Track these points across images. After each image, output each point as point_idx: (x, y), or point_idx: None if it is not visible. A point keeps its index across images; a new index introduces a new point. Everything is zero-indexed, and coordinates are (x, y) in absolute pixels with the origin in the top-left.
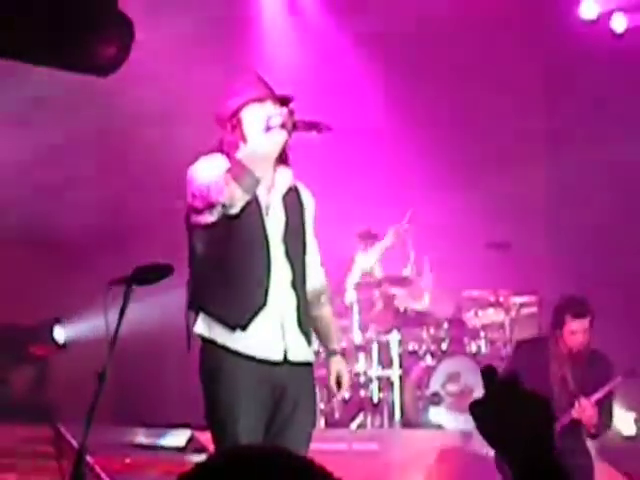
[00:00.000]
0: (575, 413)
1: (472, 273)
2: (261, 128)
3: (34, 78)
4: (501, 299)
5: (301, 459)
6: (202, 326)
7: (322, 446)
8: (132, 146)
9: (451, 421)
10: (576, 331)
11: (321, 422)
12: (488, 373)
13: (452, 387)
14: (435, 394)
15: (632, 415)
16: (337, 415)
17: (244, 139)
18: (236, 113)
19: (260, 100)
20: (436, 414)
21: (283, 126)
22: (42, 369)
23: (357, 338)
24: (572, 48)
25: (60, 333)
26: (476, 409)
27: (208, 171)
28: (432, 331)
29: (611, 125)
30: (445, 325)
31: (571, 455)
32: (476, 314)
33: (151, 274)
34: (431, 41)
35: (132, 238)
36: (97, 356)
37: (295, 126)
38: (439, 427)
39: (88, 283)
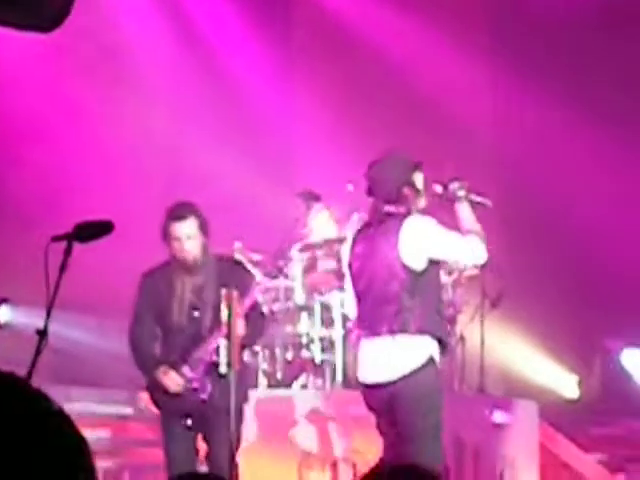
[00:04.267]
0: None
1: None
2: None
3: None
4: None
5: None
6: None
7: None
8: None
9: None
10: (179, 236)
11: (264, 383)
12: None
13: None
14: None
15: (575, 378)
16: (279, 376)
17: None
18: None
19: None
20: None
21: None
22: None
23: (299, 299)
24: None
25: (3, 314)
26: None
27: None
28: None
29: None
30: None
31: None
32: None
33: (92, 231)
34: None
35: (71, 196)
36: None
37: None
38: None
39: (30, 241)
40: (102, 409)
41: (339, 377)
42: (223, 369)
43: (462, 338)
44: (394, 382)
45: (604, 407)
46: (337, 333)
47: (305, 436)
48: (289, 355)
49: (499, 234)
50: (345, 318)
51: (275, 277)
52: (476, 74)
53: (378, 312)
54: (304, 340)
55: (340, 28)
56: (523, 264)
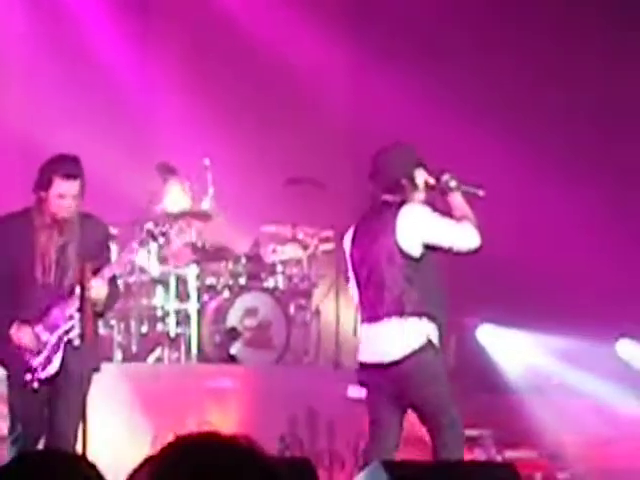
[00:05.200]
0: (89, 294)
1: (271, 209)
2: None
3: None
4: (299, 235)
5: None
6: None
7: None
8: None
9: (248, 355)
10: (65, 194)
11: (118, 356)
12: None
13: (249, 322)
14: (232, 329)
15: None
16: (135, 349)
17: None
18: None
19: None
20: (233, 349)
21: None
22: None
23: (155, 271)
24: None
25: None
26: None
27: None
28: (230, 266)
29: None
30: (243, 260)
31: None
32: (274, 250)
33: None
34: None
35: None
36: None
37: None
38: (236, 362)
39: None
40: None
41: (194, 350)
42: (77, 342)
43: (317, 312)
44: (397, 362)
45: (459, 382)
46: (192, 306)
47: (160, 408)
48: (144, 328)
49: (354, 209)
50: (199, 291)
51: (146, 243)
52: (334, 53)
53: (379, 298)
54: (159, 313)
55: (197, 3)
56: None
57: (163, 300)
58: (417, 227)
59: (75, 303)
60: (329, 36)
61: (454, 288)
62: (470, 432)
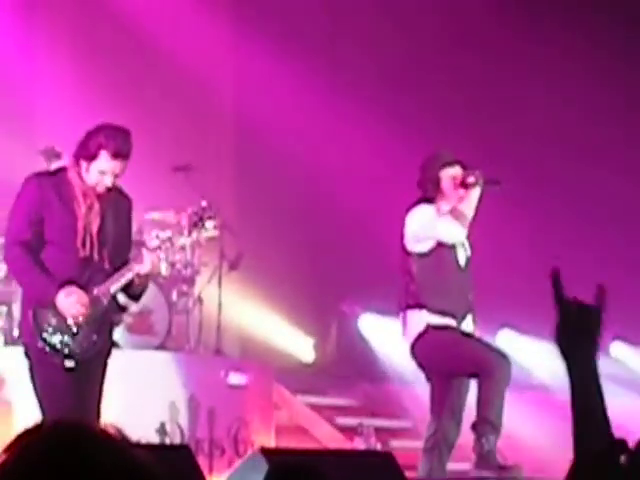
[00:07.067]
0: (142, 267)
1: (154, 195)
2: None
3: None
4: (183, 222)
5: None
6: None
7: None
8: None
9: (129, 341)
10: (107, 172)
11: (0, 340)
12: None
13: (131, 308)
14: None
15: (311, 341)
16: (16, 333)
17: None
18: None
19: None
20: (115, 334)
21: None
22: None
23: None
24: None
25: None
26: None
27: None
28: None
29: None
30: None
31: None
32: (157, 236)
33: None
34: None
35: None
36: None
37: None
38: (117, 347)
39: None
40: None
41: None
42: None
43: (200, 299)
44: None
45: (339, 371)
46: None
47: None
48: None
49: (237, 196)
50: None
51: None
52: (217, 33)
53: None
54: None
55: None
56: (262, 226)
57: None
58: (410, 224)
59: (122, 277)
60: (214, 20)
61: (334, 274)
62: (350, 421)
